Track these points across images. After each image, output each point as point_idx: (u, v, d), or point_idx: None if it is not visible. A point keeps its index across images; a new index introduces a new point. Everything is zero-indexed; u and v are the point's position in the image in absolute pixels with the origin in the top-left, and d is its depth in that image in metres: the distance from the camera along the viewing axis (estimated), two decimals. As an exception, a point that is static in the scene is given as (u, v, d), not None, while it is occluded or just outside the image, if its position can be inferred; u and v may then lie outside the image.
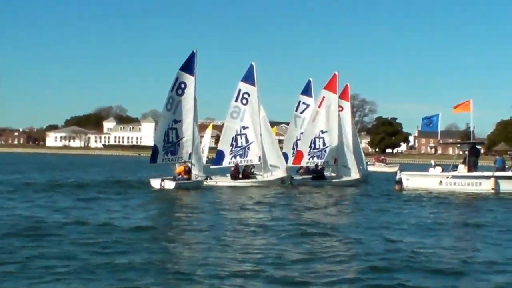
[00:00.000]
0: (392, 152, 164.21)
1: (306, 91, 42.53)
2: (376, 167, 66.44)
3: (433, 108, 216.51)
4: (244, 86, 36.35)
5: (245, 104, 36.17)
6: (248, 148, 36.01)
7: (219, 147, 36.12)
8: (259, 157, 35.93)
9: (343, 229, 16.40)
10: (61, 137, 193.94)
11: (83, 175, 43.44)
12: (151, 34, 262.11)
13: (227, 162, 35.80)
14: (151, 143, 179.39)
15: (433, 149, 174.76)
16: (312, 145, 38.49)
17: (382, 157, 79.51)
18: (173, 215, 19.69)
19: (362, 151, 44.29)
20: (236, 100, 36.36)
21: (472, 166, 33.80)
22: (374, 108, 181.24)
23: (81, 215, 18.19)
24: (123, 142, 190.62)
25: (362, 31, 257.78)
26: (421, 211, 22.65)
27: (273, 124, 54.39)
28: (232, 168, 35.36)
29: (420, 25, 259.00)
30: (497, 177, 32.77)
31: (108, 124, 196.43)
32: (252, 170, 36.38)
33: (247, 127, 36.04)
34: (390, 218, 19.65)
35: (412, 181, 34.38)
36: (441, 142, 60.13)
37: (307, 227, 16.38)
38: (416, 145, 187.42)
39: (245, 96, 36.19)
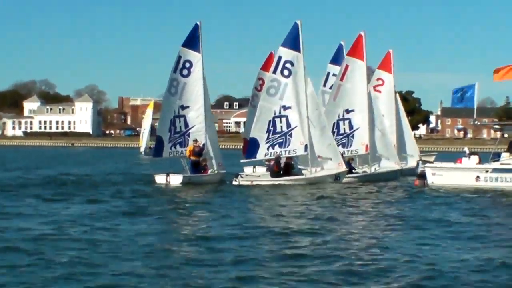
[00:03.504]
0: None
1: (337, 59, 43.90)
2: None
3: (460, 78, 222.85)
4: (285, 52, 36.47)
5: (287, 76, 36.30)
6: (290, 135, 36.29)
7: (252, 134, 36.64)
8: (305, 146, 36.36)
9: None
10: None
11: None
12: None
13: (263, 153, 36.42)
14: (89, 129, 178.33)
15: (461, 132, 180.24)
16: (335, 130, 39.59)
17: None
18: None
19: (411, 136, 45.95)
20: (274, 71, 36.54)
21: None
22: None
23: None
24: (51, 128, 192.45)
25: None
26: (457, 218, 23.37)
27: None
28: (272, 162, 36.61)
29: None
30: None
31: (30, 105, 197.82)
32: (292, 163, 36.99)
33: (289, 107, 36.39)
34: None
35: (439, 176, 35.12)
36: (477, 123, 62.11)
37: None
38: (439, 126, 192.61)
39: (287, 65, 36.30)
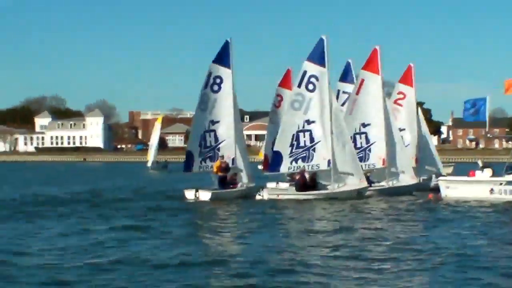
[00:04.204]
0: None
1: (346, 76, 44.68)
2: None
3: (471, 88, 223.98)
4: (311, 67, 37.01)
5: (311, 91, 36.93)
6: (314, 150, 36.92)
7: (276, 147, 37.33)
8: (328, 161, 36.86)
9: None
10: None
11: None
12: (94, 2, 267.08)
13: (286, 167, 37.10)
14: (100, 143, 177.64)
15: (473, 143, 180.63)
16: (352, 144, 39.04)
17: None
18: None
19: (434, 150, 45.94)
20: (299, 86, 37.15)
21: None
22: (392, 90, 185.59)
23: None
24: (62, 143, 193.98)
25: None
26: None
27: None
28: (297, 176, 37.23)
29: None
30: None
31: (41, 120, 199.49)
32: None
33: (313, 122, 36.96)
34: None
35: (453, 188, 35.35)
36: (489, 135, 62.16)
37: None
38: (451, 137, 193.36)
39: (312, 80, 36.90)
